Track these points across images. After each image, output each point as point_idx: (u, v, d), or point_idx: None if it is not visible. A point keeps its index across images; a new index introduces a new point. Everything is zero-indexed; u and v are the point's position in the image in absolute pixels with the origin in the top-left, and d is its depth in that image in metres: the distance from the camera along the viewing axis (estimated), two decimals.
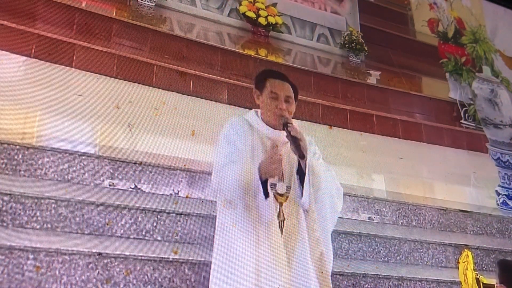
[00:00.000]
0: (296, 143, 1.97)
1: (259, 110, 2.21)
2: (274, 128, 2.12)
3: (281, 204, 2.02)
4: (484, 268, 3.31)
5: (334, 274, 2.68)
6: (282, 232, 1.97)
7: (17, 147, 2.42)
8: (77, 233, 2.37)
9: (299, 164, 2.02)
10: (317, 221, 2.00)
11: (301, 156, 1.96)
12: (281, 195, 2.03)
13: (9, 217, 2.27)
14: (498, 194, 3.83)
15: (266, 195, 1.94)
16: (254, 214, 1.96)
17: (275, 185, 2.03)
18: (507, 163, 3.98)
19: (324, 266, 1.98)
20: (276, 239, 1.95)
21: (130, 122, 2.72)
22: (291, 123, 2.05)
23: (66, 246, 2.28)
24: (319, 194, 2.03)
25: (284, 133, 2.06)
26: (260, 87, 2.20)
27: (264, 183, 1.94)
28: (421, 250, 3.21)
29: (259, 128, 2.14)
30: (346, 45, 3.91)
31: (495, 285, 2.50)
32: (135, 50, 3.04)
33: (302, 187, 2.00)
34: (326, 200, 2.05)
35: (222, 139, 2.11)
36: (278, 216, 2.00)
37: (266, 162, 1.95)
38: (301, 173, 2.02)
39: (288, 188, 2.04)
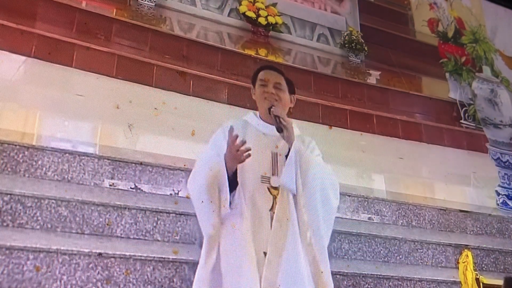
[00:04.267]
0: (276, 120, 2.02)
1: (258, 112, 2.23)
2: (270, 123, 2.13)
3: (275, 197, 2.02)
4: (484, 268, 3.31)
5: (334, 274, 2.68)
6: (271, 225, 1.97)
7: (17, 147, 2.42)
8: (77, 233, 2.36)
9: (289, 150, 2.04)
10: (305, 205, 2.01)
11: (278, 129, 2.00)
12: (275, 188, 2.04)
13: (9, 217, 2.27)
14: (498, 194, 3.83)
15: (232, 189, 1.95)
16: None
17: (268, 178, 2.04)
18: (507, 163, 3.98)
19: (311, 252, 1.98)
20: (263, 230, 1.95)
21: (130, 122, 2.72)
22: (276, 105, 2.09)
23: (66, 246, 2.28)
24: (308, 179, 2.03)
25: None
26: (254, 81, 2.25)
27: (233, 178, 1.96)
28: (421, 250, 3.21)
29: (255, 125, 2.16)
30: (346, 45, 3.90)
31: None
32: (135, 50, 3.04)
33: None
34: (316, 188, 2.04)
35: (210, 143, 2.15)
36: (271, 209, 2.01)
37: (228, 155, 1.96)
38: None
39: None
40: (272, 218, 1.99)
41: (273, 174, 2.06)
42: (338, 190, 2.15)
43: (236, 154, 1.92)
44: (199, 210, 2.02)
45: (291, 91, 2.23)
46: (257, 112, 2.24)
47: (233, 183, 1.98)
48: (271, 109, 2.08)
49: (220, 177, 1.95)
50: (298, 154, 2.03)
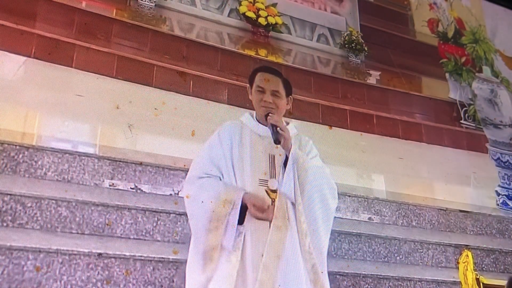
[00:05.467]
0: (273, 129, 2.02)
1: (254, 111, 2.23)
2: (266, 125, 2.13)
3: (273, 200, 2.02)
4: (484, 268, 3.31)
5: (334, 274, 2.69)
6: (270, 227, 1.97)
7: (17, 147, 2.42)
8: (77, 233, 2.37)
9: (286, 157, 2.04)
10: (304, 213, 2.01)
11: (276, 141, 2.00)
12: (273, 191, 2.04)
13: (9, 217, 2.27)
14: (498, 194, 3.83)
15: (241, 221, 1.96)
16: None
17: (266, 181, 2.04)
18: (507, 163, 3.98)
19: (311, 260, 1.98)
20: (261, 236, 1.95)
21: (130, 122, 2.72)
22: (273, 113, 2.09)
23: (66, 246, 2.28)
24: (306, 187, 2.03)
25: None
26: (251, 82, 2.24)
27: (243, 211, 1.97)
28: (421, 250, 3.21)
29: (251, 127, 2.16)
30: (346, 45, 3.90)
31: None
32: (135, 50, 3.04)
33: None
34: (314, 195, 2.05)
35: (206, 146, 2.14)
36: None
37: (256, 207, 1.96)
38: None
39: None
40: (270, 221, 1.99)
41: (270, 177, 2.06)
42: (336, 191, 2.15)
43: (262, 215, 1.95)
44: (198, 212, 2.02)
45: (288, 94, 2.23)
46: (254, 113, 2.23)
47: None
48: (268, 118, 2.08)
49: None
50: (295, 162, 2.03)
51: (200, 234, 1.99)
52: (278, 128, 2.02)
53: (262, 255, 1.91)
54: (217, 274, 1.93)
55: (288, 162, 2.02)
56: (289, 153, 2.02)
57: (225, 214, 1.95)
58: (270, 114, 2.09)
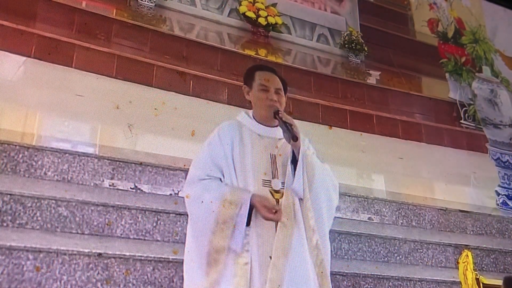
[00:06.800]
0: (287, 127, 1.97)
1: (250, 111, 2.20)
2: (266, 125, 2.12)
3: (277, 201, 2.01)
4: (484, 268, 3.31)
5: (334, 274, 2.69)
6: (276, 228, 1.97)
7: (17, 147, 2.42)
8: (77, 233, 2.37)
9: (293, 154, 2.03)
10: (312, 209, 2.01)
11: (294, 138, 1.95)
12: (277, 191, 2.03)
13: (9, 217, 2.27)
14: (498, 194, 3.83)
15: (248, 223, 1.95)
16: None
17: (269, 182, 2.04)
18: (507, 163, 3.98)
19: (319, 255, 1.98)
20: (268, 237, 1.95)
21: (130, 122, 2.72)
22: (281, 111, 2.06)
23: (66, 246, 2.28)
24: (314, 182, 2.02)
25: (276, 130, 2.07)
26: (249, 82, 2.19)
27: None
28: (421, 250, 3.21)
29: (251, 127, 2.13)
30: (346, 45, 3.91)
31: None
32: (135, 50, 3.04)
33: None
34: (320, 190, 2.04)
35: (206, 145, 2.11)
36: (275, 212, 2.00)
37: (266, 209, 1.95)
38: (295, 162, 2.02)
39: (283, 184, 2.04)
40: (278, 221, 1.98)
41: (273, 177, 2.05)
42: (337, 190, 2.15)
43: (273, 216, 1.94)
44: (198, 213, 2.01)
45: (285, 91, 2.22)
46: (250, 112, 2.19)
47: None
48: (279, 116, 2.03)
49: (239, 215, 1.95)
50: (304, 158, 2.02)
51: (203, 235, 1.96)
52: (293, 126, 2.00)
53: (270, 257, 1.90)
54: (225, 276, 1.91)
55: (299, 159, 2.01)
56: (299, 150, 2.02)
57: (232, 216, 1.93)
58: (280, 112, 2.06)
